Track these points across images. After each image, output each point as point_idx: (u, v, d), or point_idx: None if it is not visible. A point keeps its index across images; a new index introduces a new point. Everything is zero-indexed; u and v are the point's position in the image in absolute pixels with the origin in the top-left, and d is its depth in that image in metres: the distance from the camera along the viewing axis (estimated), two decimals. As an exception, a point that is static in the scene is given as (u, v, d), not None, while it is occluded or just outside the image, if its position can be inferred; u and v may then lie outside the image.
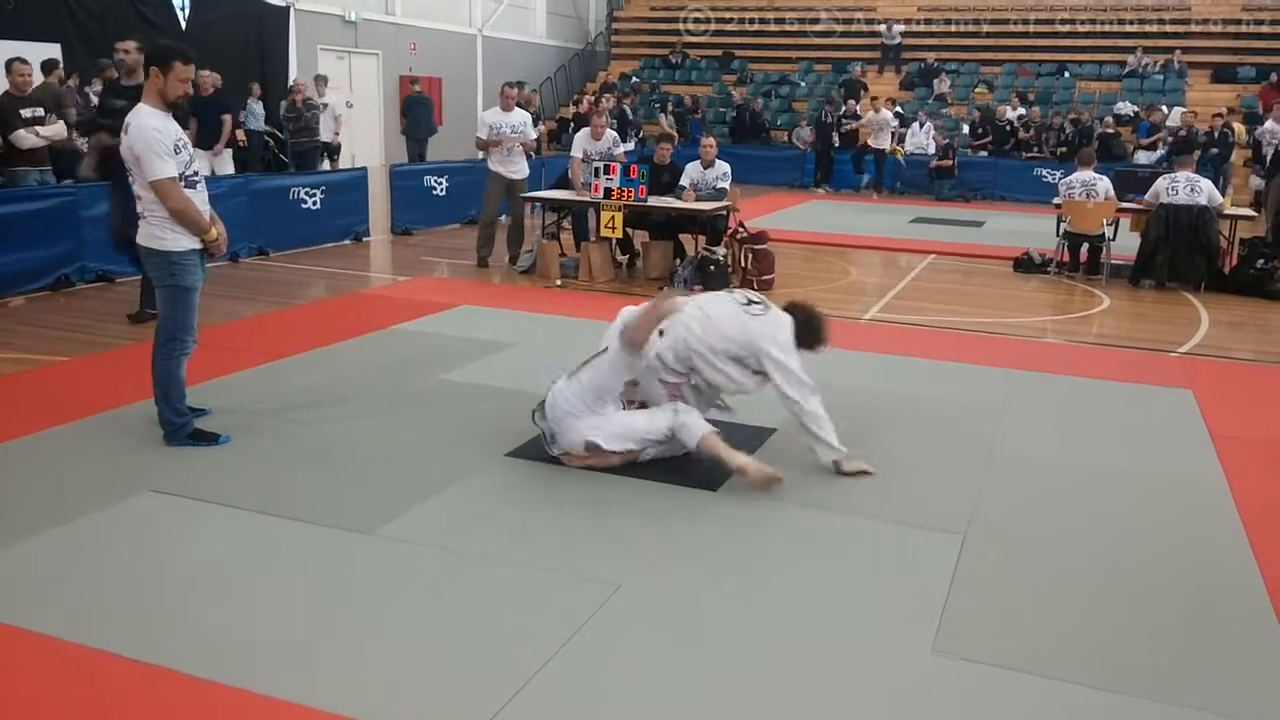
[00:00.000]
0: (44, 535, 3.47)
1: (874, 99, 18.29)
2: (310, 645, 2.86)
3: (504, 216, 9.56)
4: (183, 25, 14.32)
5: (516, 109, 9.41)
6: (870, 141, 17.40)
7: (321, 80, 14.00)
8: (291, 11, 16.50)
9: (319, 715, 2.54)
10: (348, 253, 10.01)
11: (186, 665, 2.72)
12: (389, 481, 4.06)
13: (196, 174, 4.24)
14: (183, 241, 4.18)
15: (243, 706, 2.58)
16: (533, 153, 9.52)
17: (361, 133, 18.50)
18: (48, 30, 12.26)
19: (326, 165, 14.13)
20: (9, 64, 7.99)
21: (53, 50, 12.11)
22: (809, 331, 4.38)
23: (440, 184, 11.69)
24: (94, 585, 3.16)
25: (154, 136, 4.03)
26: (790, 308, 4.45)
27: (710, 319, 4.29)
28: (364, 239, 10.64)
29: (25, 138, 7.63)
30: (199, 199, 4.22)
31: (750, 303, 4.38)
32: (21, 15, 11.86)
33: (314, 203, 9.98)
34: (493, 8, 21.61)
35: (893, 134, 17.59)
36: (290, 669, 2.73)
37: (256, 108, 14.08)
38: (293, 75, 16.24)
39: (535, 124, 14.78)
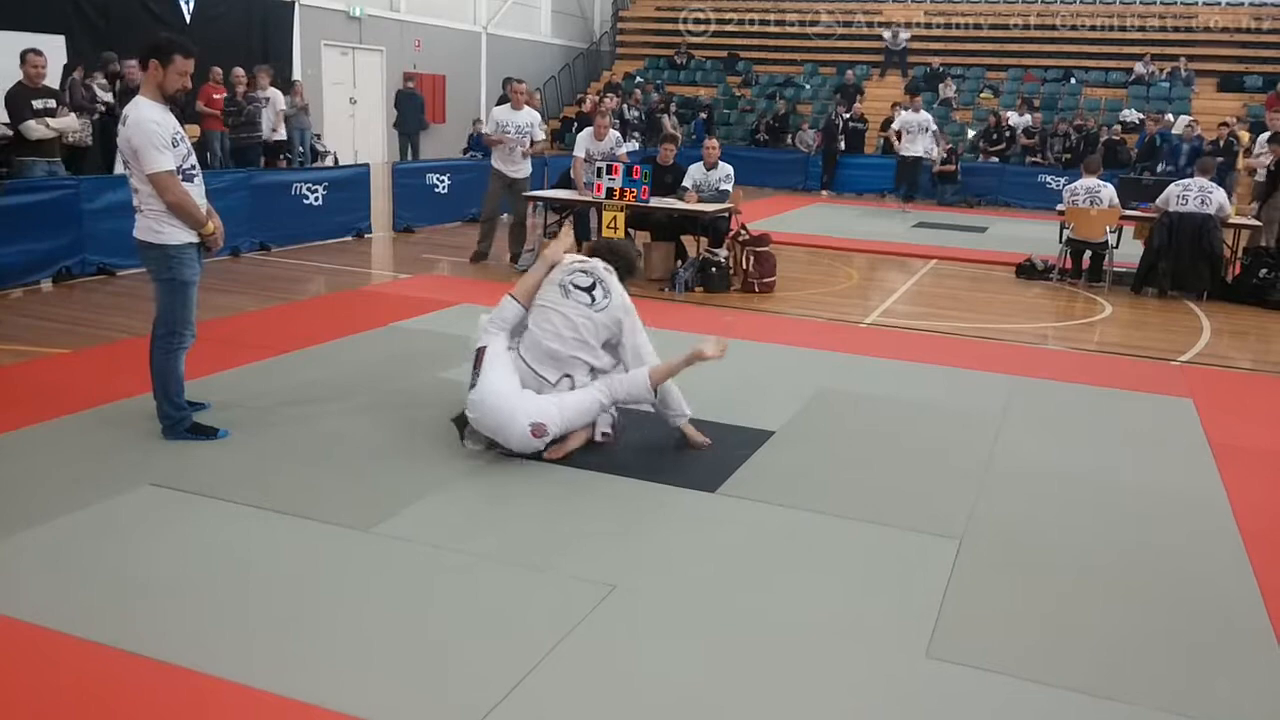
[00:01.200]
0: (42, 527, 3.46)
1: (914, 96, 16.64)
2: (304, 641, 2.86)
3: (506, 215, 9.55)
4: (187, 19, 14.32)
5: (527, 108, 9.35)
6: (902, 148, 15.44)
7: (265, 72, 13.19)
8: (296, 7, 16.50)
9: (312, 710, 2.53)
10: (349, 249, 10.00)
11: (181, 658, 2.71)
12: (386, 478, 4.06)
13: (194, 167, 4.23)
14: (180, 235, 4.18)
15: (235, 700, 2.57)
16: (533, 155, 9.44)
17: (364, 129, 18.50)
18: (52, 22, 12.27)
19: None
20: (24, 54, 7.99)
21: (57, 42, 12.13)
22: (626, 267, 4.69)
23: (442, 182, 11.69)
24: (91, 578, 3.15)
25: (152, 129, 4.02)
26: (599, 254, 4.68)
27: (587, 339, 4.38)
28: (365, 235, 10.64)
29: (34, 129, 7.64)
30: (196, 192, 4.21)
31: (592, 298, 4.42)
32: (26, 5, 11.86)
33: (316, 199, 9.98)
34: (498, 6, 21.62)
35: (935, 138, 15.83)
36: (284, 664, 2.73)
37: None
38: (296, 71, 16.24)
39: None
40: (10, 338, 5.97)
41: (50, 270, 7.48)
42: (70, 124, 8.14)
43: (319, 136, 16.03)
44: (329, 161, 14.99)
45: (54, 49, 11.51)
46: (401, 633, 2.93)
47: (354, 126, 18.23)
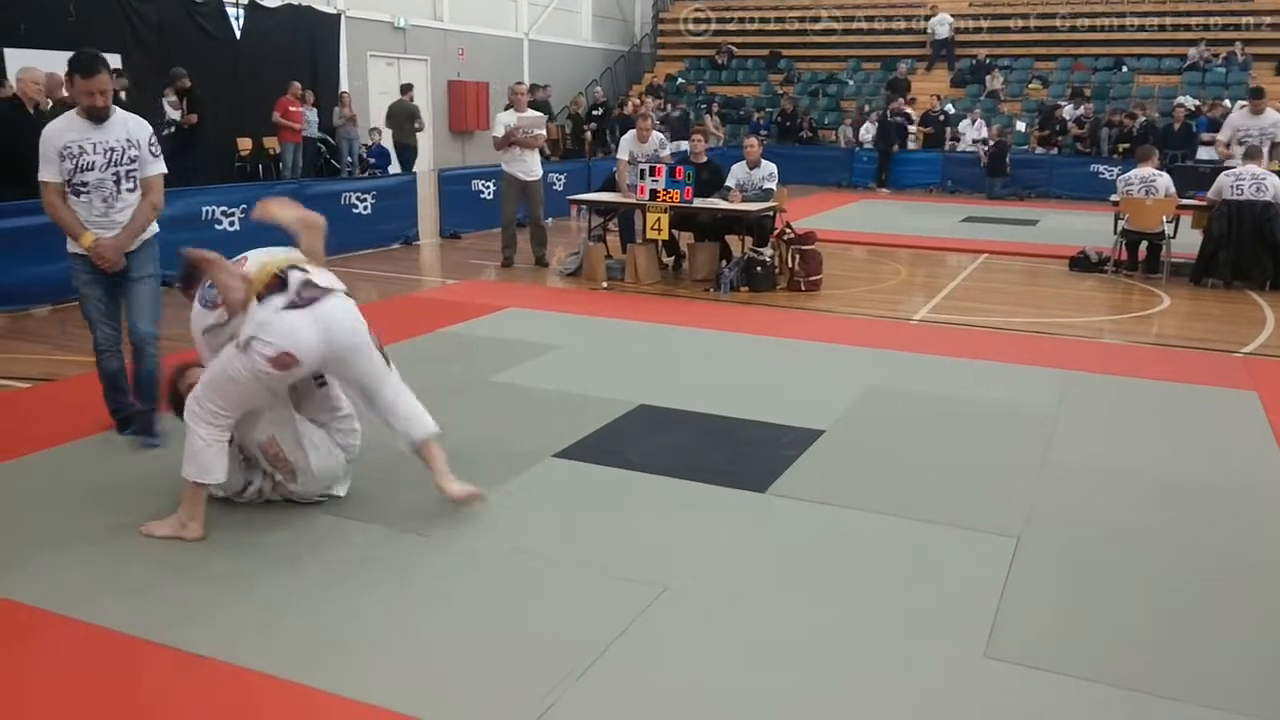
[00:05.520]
0: (99, 533, 3.54)
1: (1257, 98, 10.04)
2: (360, 641, 2.89)
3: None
4: (237, 35, 14.59)
5: (529, 109, 9.61)
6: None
7: (62, 81, 11.27)
8: (342, 19, 16.75)
9: (364, 709, 2.56)
10: (397, 256, 10.12)
11: (235, 657, 2.76)
12: (437, 482, 4.09)
13: (85, 184, 4.22)
14: (72, 245, 4.32)
15: (287, 697, 2.61)
16: (545, 151, 9.62)
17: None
18: (108, 41, 12.58)
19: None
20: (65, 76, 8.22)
21: (113, 61, 12.44)
22: None
23: (488, 188, 11.78)
24: (153, 581, 3.21)
25: (44, 140, 4.21)
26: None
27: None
28: (413, 243, 10.77)
29: None
30: (81, 206, 4.24)
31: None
32: (83, 27, 12.18)
33: (365, 208, 10.12)
34: (539, 12, 21.74)
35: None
36: (340, 664, 2.76)
37: (310, 115, 14.33)
38: (343, 82, 16.48)
39: (588, 123, 14.95)
40: (67, 347, 6.12)
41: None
42: None
43: (367, 146, 16.24)
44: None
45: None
46: (453, 634, 2.94)
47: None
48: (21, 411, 4.91)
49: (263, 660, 2.77)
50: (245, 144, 14.53)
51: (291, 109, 13.47)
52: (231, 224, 8.50)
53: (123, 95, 10.86)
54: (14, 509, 3.76)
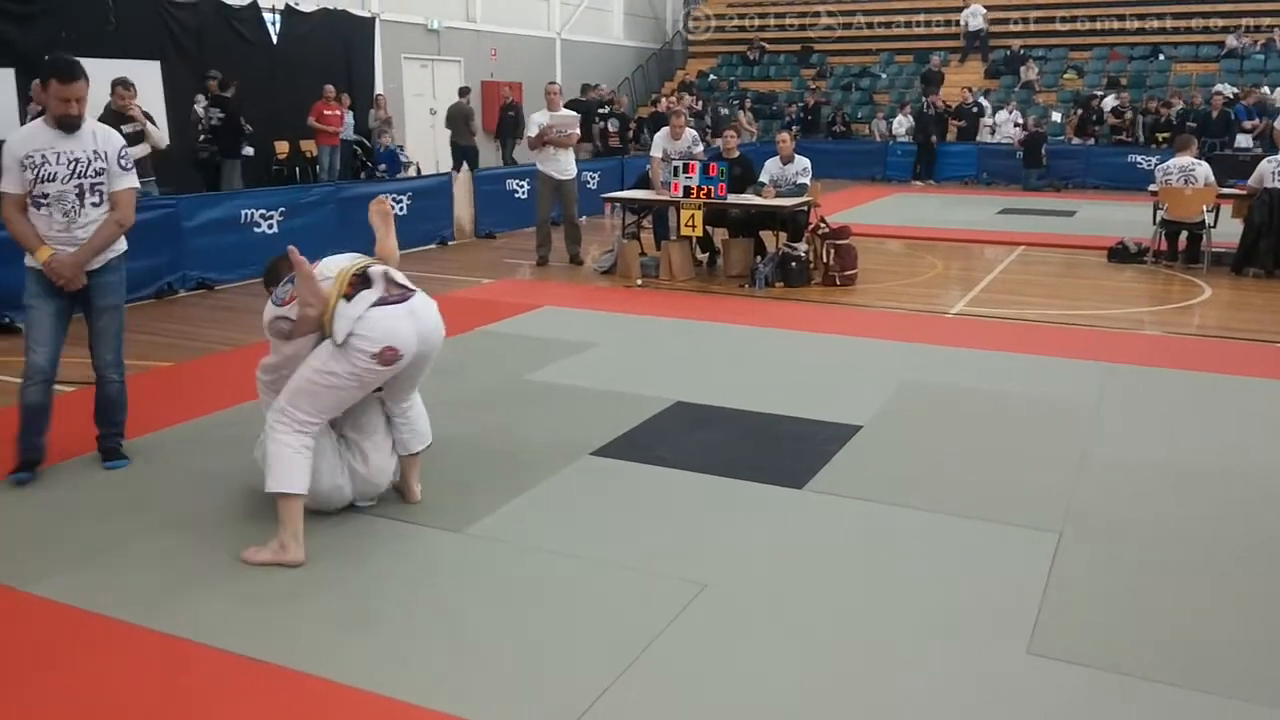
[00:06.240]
0: (147, 537, 3.62)
1: None
2: (400, 641, 2.93)
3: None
4: (274, 40, 14.76)
5: (563, 109, 9.69)
6: None
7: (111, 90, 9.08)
8: (377, 22, 16.89)
9: (409, 709, 2.60)
10: (433, 256, 10.21)
11: (276, 657, 2.81)
12: (476, 480, 4.14)
13: (46, 196, 4.01)
14: (30, 259, 4.08)
15: (332, 698, 2.65)
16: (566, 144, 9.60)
17: (445, 139, 18.79)
18: (147, 48, 12.79)
19: None
20: (113, 85, 8.39)
21: (153, 68, 12.64)
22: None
23: (522, 187, 11.85)
24: (206, 586, 3.27)
25: (5, 148, 4.00)
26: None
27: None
28: (449, 243, 10.86)
29: (132, 152, 8.04)
30: (43, 221, 4.04)
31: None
32: (122, 34, 12.38)
33: (401, 208, 10.21)
34: (571, 11, 21.79)
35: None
36: (378, 663, 2.80)
37: (347, 117, 14.48)
38: (378, 85, 16.63)
39: (619, 123, 15.03)
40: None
41: (154, 286, 7.80)
42: (161, 140, 8.55)
43: (402, 148, 16.38)
44: (411, 172, 15.31)
45: (150, 74, 12.02)
46: (495, 633, 2.98)
47: (434, 137, 18.55)
48: (68, 415, 5.01)
49: (302, 660, 2.81)
50: (282, 147, 14.72)
51: (327, 112, 13.63)
52: (270, 226, 8.62)
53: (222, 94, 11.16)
54: (60, 513, 3.85)
